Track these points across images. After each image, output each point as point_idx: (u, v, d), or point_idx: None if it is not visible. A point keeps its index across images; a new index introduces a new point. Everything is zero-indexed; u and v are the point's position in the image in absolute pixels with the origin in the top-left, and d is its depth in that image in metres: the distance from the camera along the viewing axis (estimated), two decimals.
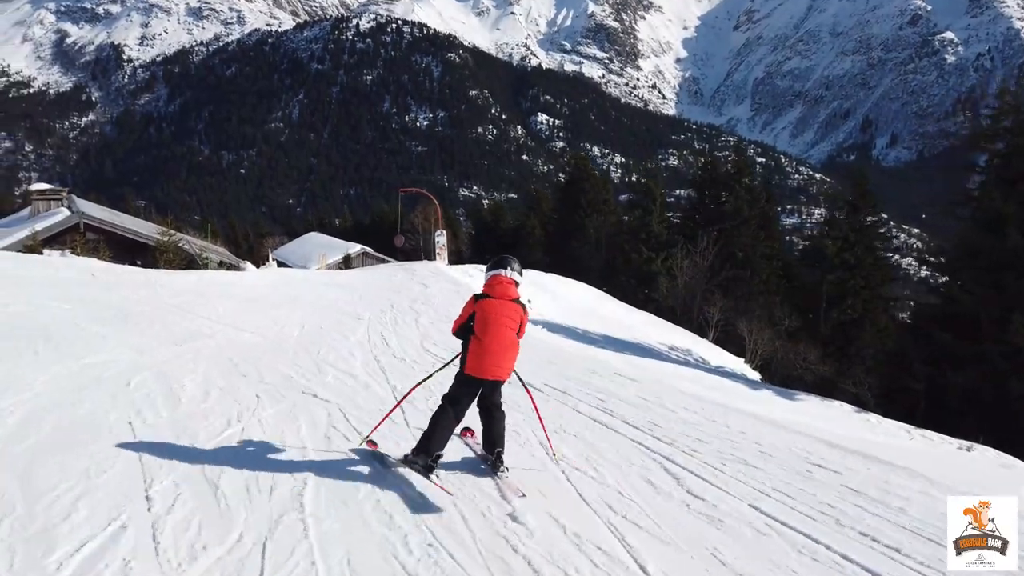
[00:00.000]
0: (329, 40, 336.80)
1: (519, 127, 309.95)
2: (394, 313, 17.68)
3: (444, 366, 7.08)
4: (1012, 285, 23.21)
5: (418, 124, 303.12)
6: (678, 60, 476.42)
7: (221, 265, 35.00)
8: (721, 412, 9.99)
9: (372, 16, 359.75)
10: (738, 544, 5.31)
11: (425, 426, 6.07)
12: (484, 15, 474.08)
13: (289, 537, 4.82)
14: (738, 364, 28.35)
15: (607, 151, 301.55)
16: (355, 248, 57.49)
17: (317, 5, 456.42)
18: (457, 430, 6.44)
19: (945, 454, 14.88)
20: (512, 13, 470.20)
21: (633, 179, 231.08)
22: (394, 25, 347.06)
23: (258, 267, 39.47)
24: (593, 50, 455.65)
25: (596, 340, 21.95)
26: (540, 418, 7.09)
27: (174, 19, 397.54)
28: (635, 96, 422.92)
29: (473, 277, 26.90)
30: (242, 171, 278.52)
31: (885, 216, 38.04)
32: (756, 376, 27.46)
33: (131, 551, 4.50)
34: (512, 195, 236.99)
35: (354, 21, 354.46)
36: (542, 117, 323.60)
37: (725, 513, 5.88)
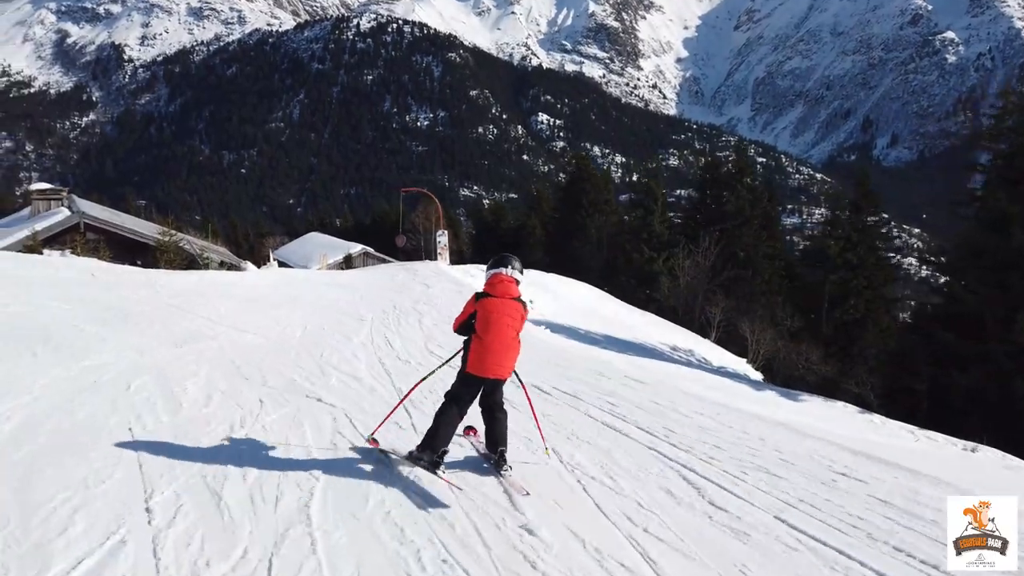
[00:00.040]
0: (330, 40, 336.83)
1: (519, 127, 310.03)
2: (397, 314, 17.49)
3: (445, 363, 7.16)
4: (1017, 285, 23.04)
5: (419, 124, 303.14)
6: (679, 60, 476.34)
7: (222, 265, 34.83)
8: (737, 417, 9.74)
9: (373, 16, 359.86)
10: (767, 559, 5.07)
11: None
12: (485, 15, 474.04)
13: (296, 553, 4.60)
14: (740, 364, 28.21)
15: (607, 151, 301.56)
16: (356, 248, 57.30)
17: (318, 5, 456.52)
18: (460, 429, 6.51)
19: (952, 456, 14.73)
20: (513, 13, 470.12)
21: (634, 179, 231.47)
22: (395, 25, 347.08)
23: (259, 267, 39.29)
24: (594, 50, 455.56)
25: (599, 341, 21.77)
26: (535, 414, 7.18)
27: (175, 19, 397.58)
28: (636, 96, 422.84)
29: (475, 277, 26.74)
30: (243, 171, 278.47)
31: (886, 216, 37.92)
32: (758, 376, 27.33)
33: (131, 568, 4.30)
34: (512, 195, 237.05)
35: (355, 21, 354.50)
36: (542, 117, 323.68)
37: (750, 526, 5.62)
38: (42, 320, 12.53)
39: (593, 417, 8.85)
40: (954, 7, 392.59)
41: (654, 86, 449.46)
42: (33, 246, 29.54)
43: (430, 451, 5.89)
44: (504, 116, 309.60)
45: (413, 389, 7.35)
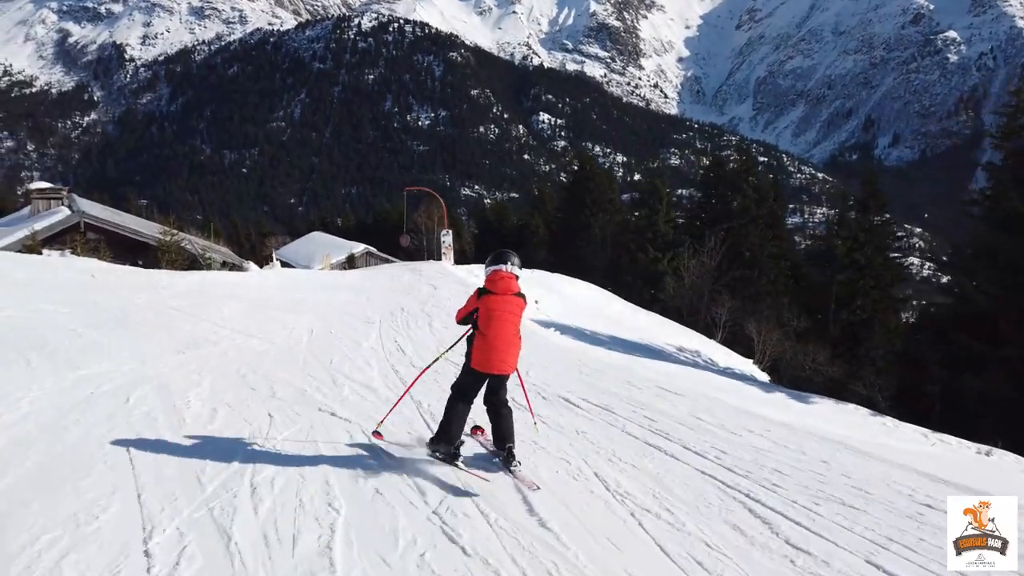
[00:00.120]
0: (331, 39, 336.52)
1: (521, 126, 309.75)
2: (405, 316, 17.03)
3: (447, 350, 7.42)
4: None
5: (420, 123, 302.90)
6: (680, 59, 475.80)
7: (224, 265, 34.51)
8: (789, 434, 9.03)
9: (374, 15, 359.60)
10: None
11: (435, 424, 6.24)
12: (486, 14, 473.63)
13: None
14: (747, 365, 27.96)
15: (609, 150, 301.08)
16: (359, 248, 56.97)
17: (319, 4, 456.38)
18: (467, 428, 6.60)
19: (970, 460, 14.45)
20: (514, 12, 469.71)
21: (635, 178, 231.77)
22: (396, 24, 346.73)
23: (261, 267, 39.01)
24: (595, 49, 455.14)
25: (609, 343, 21.45)
26: (531, 408, 7.33)
27: (176, 18, 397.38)
28: (637, 95, 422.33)
29: (479, 277, 26.32)
30: (244, 170, 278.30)
31: (887, 216, 37.66)
32: (765, 378, 27.09)
33: None
34: (514, 194, 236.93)
35: (356, 20, 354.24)
36: (544, 116, 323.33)
37: (841, 573, 4.95)
38: (38, 325, 12.07)
39: (633, 435, 8.16)
40: (956, 6, 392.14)
41: (655, 85, 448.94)
42: (32, 246, 29.18)
43: (445, 444, 6.15)
44: (505, 115, 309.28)
45: (415, 381, 7.54)
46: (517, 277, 6.37)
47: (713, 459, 7.41)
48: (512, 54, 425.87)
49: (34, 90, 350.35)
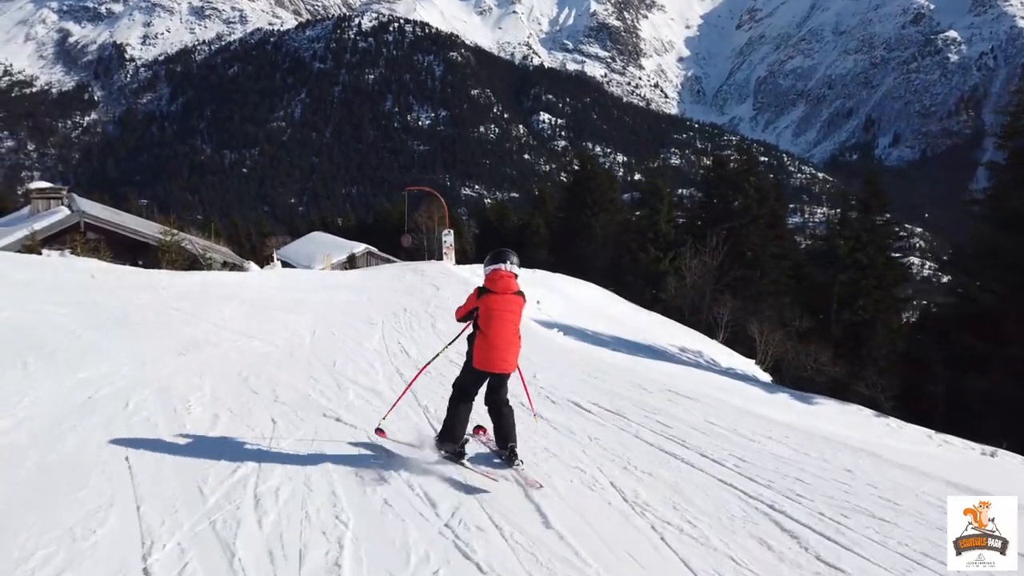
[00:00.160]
0: (331, 39, 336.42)
1: (521, 126, 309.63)
2: (408, 317, 16.81)
3: (447, 347, 7.45)
4: None
5: (420, 123, 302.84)
6: (680, 59, 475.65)
7: (224, 265, 34.37)
8: (808, 440, 8.75)
9: (374, 15, 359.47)
10: None
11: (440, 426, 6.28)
12: (486, 14, 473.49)
13: None
14: (749, 366, 27.87)
15: (609, 150, 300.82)
16: (359, 248, 56.78)
17: (319, 4, 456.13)
18: (469, 429, 6.62)
19: (971, 461, 14.34)
20: (514, 12, 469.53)
21: (635, 178, 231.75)
22: (396, 24, 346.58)
23: (262, 267, 38.89)
24: (595, 49, 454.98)
25: (612, 344, 21.36)
26: (531, 402, 7.42)
27: (176, 18, 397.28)
28: (637, 95, 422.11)
29: (481, 277, 26.21)
30: (244, 170, 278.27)
31: (887, 216, 37.60)
32: (767, 378, 26.99)
33: None
34: (514, 194, 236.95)
35: (356, 20, 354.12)
36: (544, 116, 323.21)
37: None
38: (37, 326, 11.87)
39: (647, 441, 7.91)
40: (956, 6, 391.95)
41: (656, 85, 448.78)
42: (32, 246, 29.05)
43: (451, 442, 6.21)
44: (505, 115, 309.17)
45: (414, 380, 7.66)
46: (516, 276, 6.40)
47: (732, 467, 7.15)
48: (512, 54, 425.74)
49: (34, 90, 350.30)
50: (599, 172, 61.33)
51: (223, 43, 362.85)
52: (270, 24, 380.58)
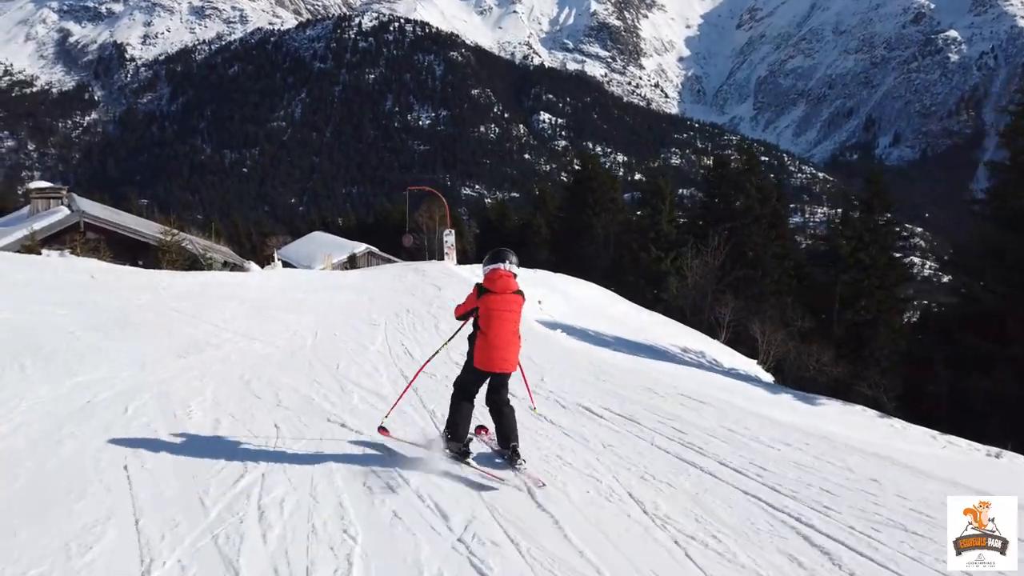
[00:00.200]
0: (331, 39, 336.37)
1: (521, 126, 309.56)
2: (411, 318, 16.64)
3: (446, 343, 7.51)
4: None
5: (420, 123, 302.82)
6: (681, 59, 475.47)
7: (225, 265, 34.23)
8: (829, 447, 8.48)
9: (374, 15, 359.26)
10: None
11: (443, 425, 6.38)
12: (486, 14, 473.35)
13: None
14: (751, 366, 27.77)
15: (609, 150, 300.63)
16: (360, 247, 56.66)
17: (320, 4, 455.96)
18: (471, 429, 6.67)
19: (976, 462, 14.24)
20: (515, 12, 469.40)
21: (636, 178, 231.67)
22: (396, 24, 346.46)
23: (262, 267, 38.79)
24: (596, 49, 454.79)
25: (618, 345, 21.25)
26: (530, 394, 7.51)
27: (176, 18, 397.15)
28: (637, 95, 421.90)
29: (482, 277, 26.06)
30: (244, 170, 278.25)
31: (888, 215, 37.54)
32: (769, 378, 26.90)
33: None
34: (514, 194, 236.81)
35: (356, 20, 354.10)
36: (544, 116, 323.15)
37: None
38: (35, 327, 11.68)
39: (663, 449, 7.66)
40: (956, 6, 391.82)
41: (656, 85, 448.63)
42: (31, 246, 28.92)
43: (456, 442, 6.27)
44: (506, 115, 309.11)
45: (415, 377, 7.78)
46: (516, 275, 6.43)
47: (754, 476, 6.90)
48: (513, 53, 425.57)
49: (35, 90, 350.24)
50: (600, 172, 61.22)
51: (223, 43, 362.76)
52: (270, 24, 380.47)
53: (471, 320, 6.47)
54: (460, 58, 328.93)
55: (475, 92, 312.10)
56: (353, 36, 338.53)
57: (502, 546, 4.85)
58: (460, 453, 6.26)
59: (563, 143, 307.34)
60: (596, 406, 9.25)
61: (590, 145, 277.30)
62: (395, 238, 57.05)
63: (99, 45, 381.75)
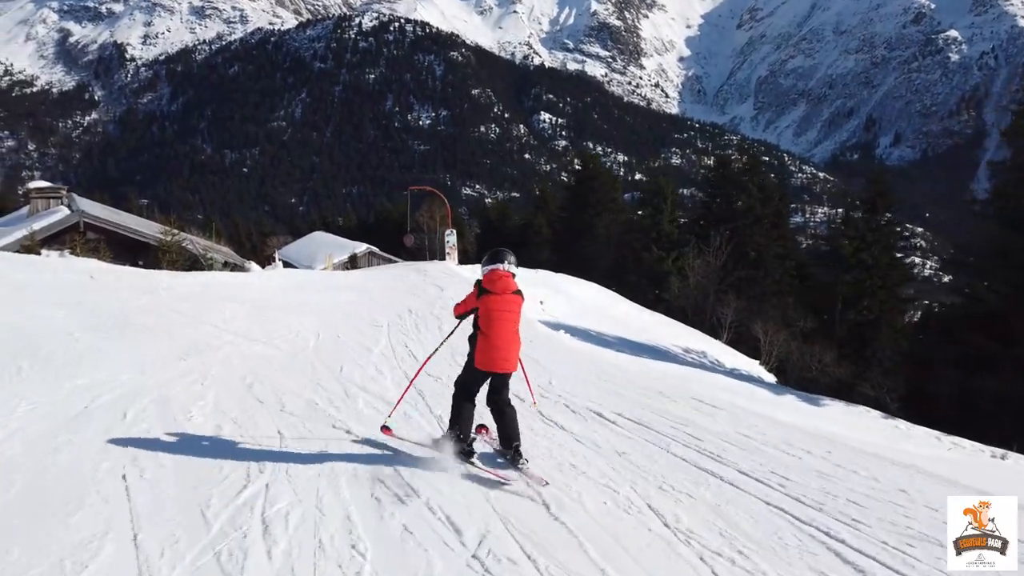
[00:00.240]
0: (332, 39, 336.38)
1: (522, 126, 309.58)
2: (414, 319, 16.41)
3: (444, 341, 7.60)
4: None
5: (420, 123, 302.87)
6: (681, 59, 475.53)
7: (226, 266, 34.06)
8: (852, 455, 8.12)
9: (375, 15, 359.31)
10: None
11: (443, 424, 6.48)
12: (487, 14, 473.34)
13: None
14: (753, 366, 27.66)
15: (610, 150, 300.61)
16: (361, 248, 56.46)
17: (320, 4, 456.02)
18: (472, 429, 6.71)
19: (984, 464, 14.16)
20: (515, 12, 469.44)
21: (636, 178, 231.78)
22: (396, 24, 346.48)
23: (263, 267, 38.65)
24: (596, 49, 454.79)
25: (621, 346, 21.11)
26: (531, 388, 7.56)
27: (177, 18, 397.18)
28: (638, 95, 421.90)
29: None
30: (245, 170, 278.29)
31: (889, 216, 37.46)
32: (772, 379, 26.78)
33: None
34: (515, 194, 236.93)
35: (356, 20, 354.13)
36: (545, 116, 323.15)
37: None
38: (32, 329, 11.44)
39: (679, 456, 7.38)
40: (957, 6, 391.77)
41: (656, 85, 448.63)
42: (31, 246, 28.76)
43: (458, 441, 6.32)
44: (506, 115, 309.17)
45: (417, 375, 7.89)
46: (514, 275, 6.49)
47: (776, 487, 6.59)
48: (513, 53, 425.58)
49: (35, 90, 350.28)
50: (602, 171, 61.21)
51: (224, 43, 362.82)
52: (270, 24, 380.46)
53: (471, 320, 6.48)
54: (460, 58, 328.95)
55: (475, 92, 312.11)
56: (353, 36, 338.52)
57: (519, 564, 4.62)
58: (464, 453, 6.28)
59: (563, 143, 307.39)
60: (607, 411, 9.01)
61: (590, 145, 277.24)
62: (396, 238, 56.86)
63: (99, 45, 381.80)
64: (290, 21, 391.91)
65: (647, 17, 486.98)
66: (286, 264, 45.92)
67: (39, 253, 27.78)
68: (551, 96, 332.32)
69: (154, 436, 6.81)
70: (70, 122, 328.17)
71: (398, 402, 7.45)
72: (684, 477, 6.67)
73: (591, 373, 12.07)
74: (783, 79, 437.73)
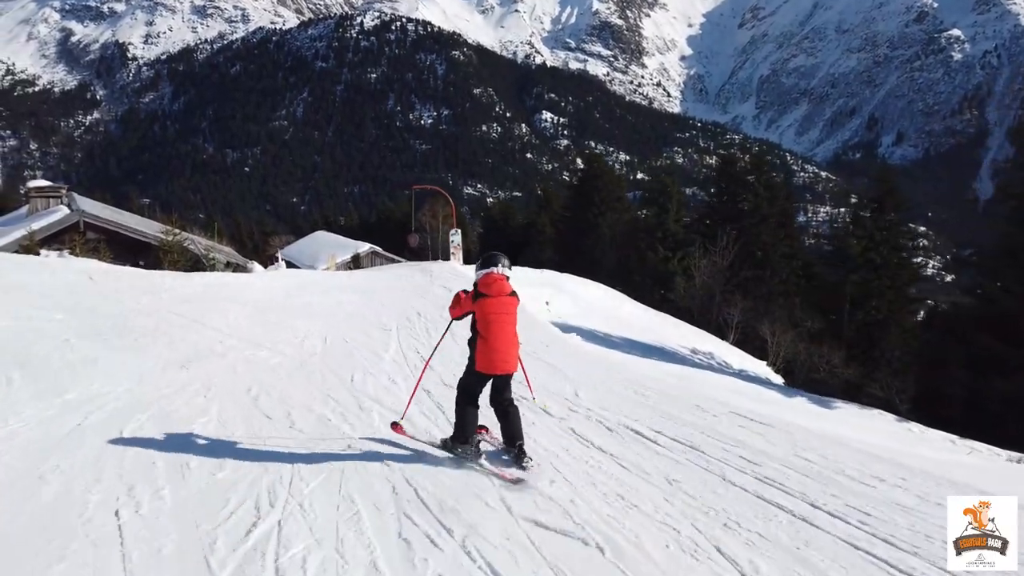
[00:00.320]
0: (333, 38, 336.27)
1: (523, 125, 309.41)
2: (424, 322, 15.88)
3: (442, 339, 7.92)
4: None
5: (422, 122, 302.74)
6: (683, 58, 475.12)
7: (228, 266, 33.73)
8: (937, 487, 7.08)
9: (376, 14, 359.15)
10: None
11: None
12: (488, 13, 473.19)
13: None
14: (760, 367, 27.38)
15: (611, 149, 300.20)
16: (364, 247, 56.14)
17: (321, 3, 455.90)
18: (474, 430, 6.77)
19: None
20: (516, 11, 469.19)
21: (638, 177, 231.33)
22: (398, 23, 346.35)
23: (265, 267, 38.38)
24: (598, 48, 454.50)
25: (631, 348, 20.84)
26: (530, 384, 7.70)
27: (178, 17, 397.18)
28: (640, 94, 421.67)
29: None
30: (246, 169, 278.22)
31: (892, 215, 37.13)
32: (780, 380, 26.50)
33: None
34: (516, 193, 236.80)
35: (358, 19, 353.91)
36: (546, 115, 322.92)
37: None
38: (26, 336, 10.93)
39: (738, 485, 6.52)
40: (959, 5, 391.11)
41: (658, 84, 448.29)
42: (30, 246, 28.42)
43: (463, 443, 6.45)
44: (508, 114, 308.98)
45: (422, 373, 8.13)
46: (508, 278, 6.57)
47: (857, 524, 5.71)
48: (515, 53, 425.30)
49: (37, 89, 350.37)
50: (606, 171, 60.92)
51: (225, 42, 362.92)
52: (272, 23, 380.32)
53: (469, 324, 6.54)
54: (462, 57, 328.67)
55: (477, 91, 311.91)
56: (355, 35, 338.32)
57: None
58: (472, 454, 6.39)
59: (565, 142, 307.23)
60: (646, 428, 8.27)
61: (592, 144, 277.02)
62: (398, 237, 56.64)
63: (101, 44, 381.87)
64: (292, 20, 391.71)
65: (649, 16, 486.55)
66: (289, 264, 45.61)
67: (38, 253, 27.44)
68: (553, 95, 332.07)
69: (152, 460, 6.20)
70: (72, 121, 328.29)
71: (408, 403, 7.54)
72: (749, 512, 5.90)
73: (615, 381, 11.37)
74: (785, 78, 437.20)
